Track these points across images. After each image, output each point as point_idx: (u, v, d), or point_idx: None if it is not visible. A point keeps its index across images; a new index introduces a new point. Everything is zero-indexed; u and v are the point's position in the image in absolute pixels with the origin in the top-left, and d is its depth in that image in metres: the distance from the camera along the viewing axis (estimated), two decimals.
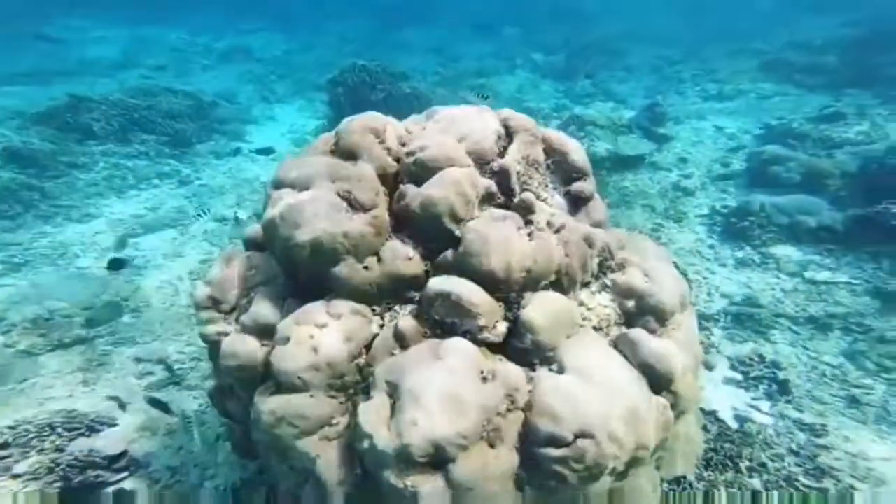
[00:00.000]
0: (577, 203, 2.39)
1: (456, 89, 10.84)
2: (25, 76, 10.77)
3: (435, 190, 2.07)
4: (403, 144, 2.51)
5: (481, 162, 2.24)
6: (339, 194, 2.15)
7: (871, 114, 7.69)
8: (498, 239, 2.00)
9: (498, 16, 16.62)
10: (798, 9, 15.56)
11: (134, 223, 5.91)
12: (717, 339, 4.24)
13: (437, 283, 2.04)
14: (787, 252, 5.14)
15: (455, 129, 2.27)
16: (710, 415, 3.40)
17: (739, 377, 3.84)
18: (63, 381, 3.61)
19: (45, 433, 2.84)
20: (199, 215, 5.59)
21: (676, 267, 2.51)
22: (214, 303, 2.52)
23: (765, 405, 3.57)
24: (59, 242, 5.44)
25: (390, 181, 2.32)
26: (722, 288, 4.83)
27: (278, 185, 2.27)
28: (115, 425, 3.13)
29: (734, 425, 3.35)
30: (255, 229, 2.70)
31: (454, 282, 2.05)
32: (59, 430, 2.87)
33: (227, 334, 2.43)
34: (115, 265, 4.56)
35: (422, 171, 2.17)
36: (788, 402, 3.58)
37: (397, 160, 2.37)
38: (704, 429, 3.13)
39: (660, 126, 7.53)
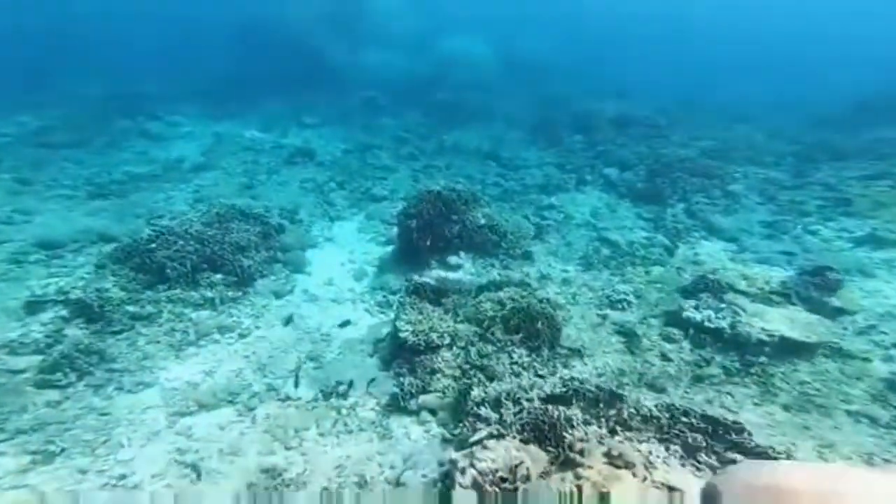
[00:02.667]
0: None
1: (521, 206, 10.43)
2: (119, 184, 11.66)
3: None
4: None
5: None
6: None
7: None
8: None
9: (556, 117, 16.34)
10: None
11: (188, 395, 5.45)
12: None
13: None
14: None
15: None
16: None
17: None
18: None
19: None
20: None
21: None
22: None
23: None
24: (105, 422, 4.99)
25: None
26: None
27: None
28: None
29: None
30: None
31: None
32: None
33: None
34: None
35: None
36: None
37: None
38: None
39: (832, 295, 6.05)
